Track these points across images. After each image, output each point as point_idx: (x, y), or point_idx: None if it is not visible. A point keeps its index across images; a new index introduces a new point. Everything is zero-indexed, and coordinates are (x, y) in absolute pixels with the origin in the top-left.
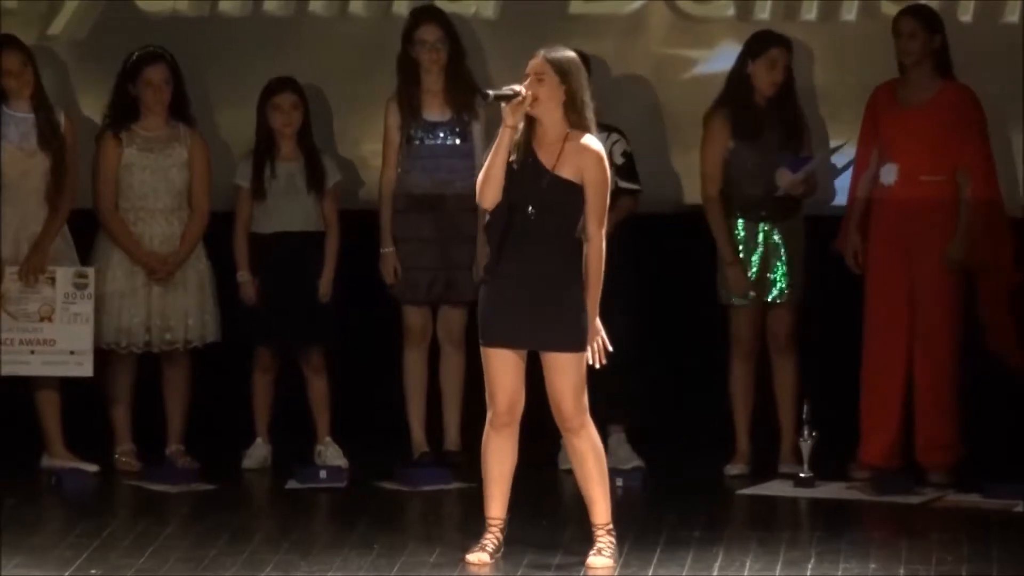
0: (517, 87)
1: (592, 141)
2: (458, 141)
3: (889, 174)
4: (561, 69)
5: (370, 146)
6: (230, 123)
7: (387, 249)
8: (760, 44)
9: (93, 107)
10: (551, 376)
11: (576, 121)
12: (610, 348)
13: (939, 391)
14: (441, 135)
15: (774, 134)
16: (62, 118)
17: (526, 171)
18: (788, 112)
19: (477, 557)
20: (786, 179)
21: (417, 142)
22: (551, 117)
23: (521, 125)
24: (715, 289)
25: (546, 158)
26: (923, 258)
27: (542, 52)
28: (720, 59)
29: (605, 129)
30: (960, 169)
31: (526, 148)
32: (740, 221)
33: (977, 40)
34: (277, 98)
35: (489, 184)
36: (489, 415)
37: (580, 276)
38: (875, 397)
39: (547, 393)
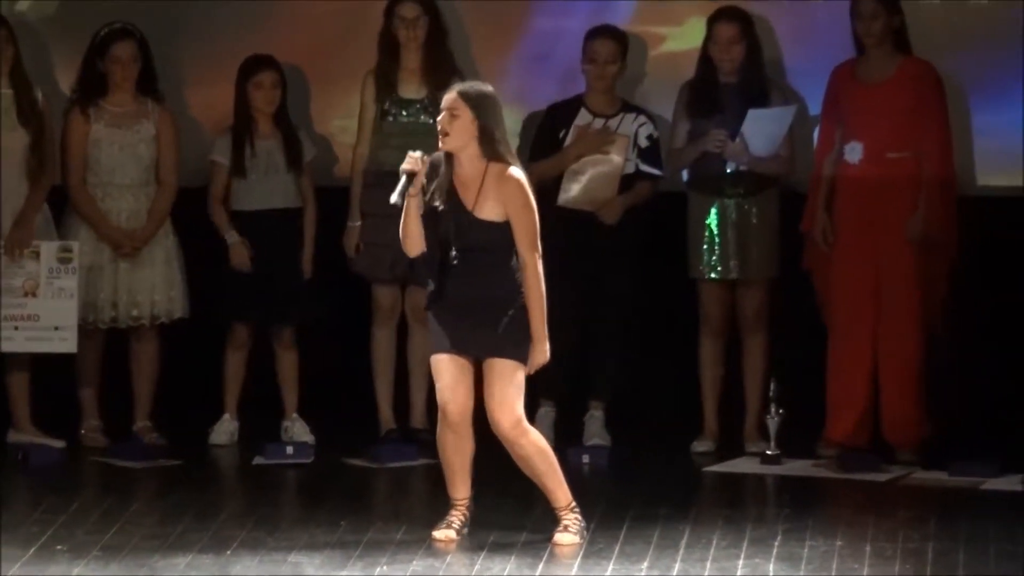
0: (405, 166)
1: (514, 171)
2: (431, 120)
3: (854, 152)
4: (473, 103)
5: (339, 122)
6: (200, 100)
7: (354, 223)
8: (709, 23)
9: (62, 83)
10: (491, 382)
11: (491, 154)
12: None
13: (905, 368)
14: (415, 113)
15: (736, 111)
16: (39, 95)
17: (450, 213)
18: (753, 87)
19: (444, 534)
20: (727, 148)
21: (391, 118)
22: (467, 152)
23: (442, 165)
24: (685, 265)
25: (467, 197)
26: (889, 235)
27: (456, 87)
28: (689, 36)
29: (633, 110)
30: (920, 146)
31: (449, 188)
32: (704, 197)
33: (946, 20)
34: (259, 76)
35: (407, 241)
36: (441, 416)
37: (520, 295)
38: (842, 375)
39: (485, 404)
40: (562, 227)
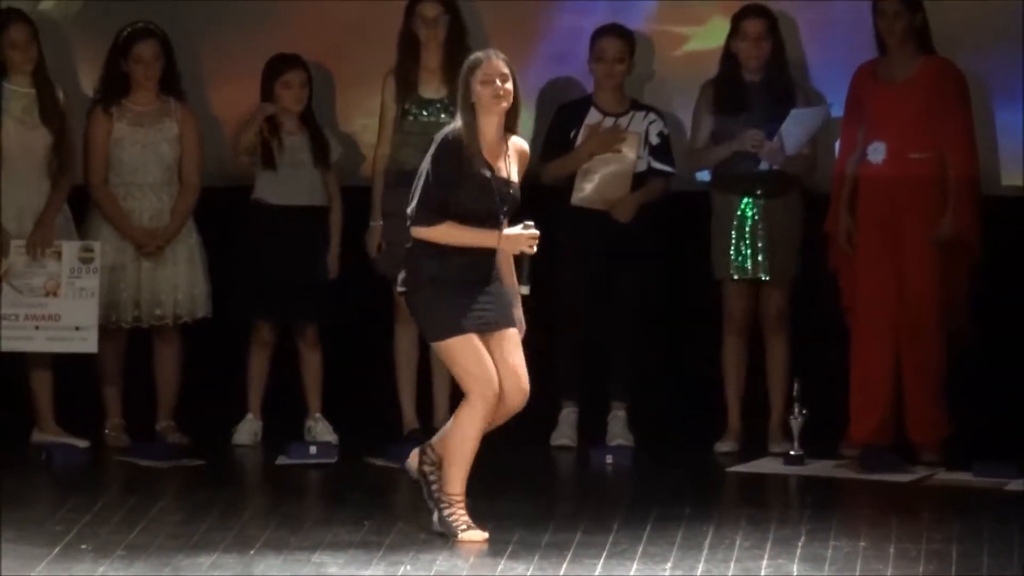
0: (529, 251)
1: (522, 141)
2: (451, 119)
3: (877, 152)
4: (514, 75)
5: (362, 121)
6: (222, 98)
7: (376, 223)
8: (736, 19)
9: (85, 82)
10: (513, 352)
11: (512, 125)
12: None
13: (927, 368)
14: (435, 112)
15: (762, 109)
16: (61, 94)
17: (495, 183)
18: (778, 86)
19: (477, 535)
20: (764, 148)
21: (411, 118)
22: (499, 121)
23: (459, 129)
24: (709, 265)
25: (499, 166)
26: (911, 235)
27: (495, 54)
28: (712, 35)
29: (643, 108)
30: (943, 146)
31: (481, 159)
32: (731, 197)
33: (966, 17)
34: (287, 76)
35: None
36: (477, 401)
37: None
38: (864, 375)
39: (504, 373)
40: (575, 227)
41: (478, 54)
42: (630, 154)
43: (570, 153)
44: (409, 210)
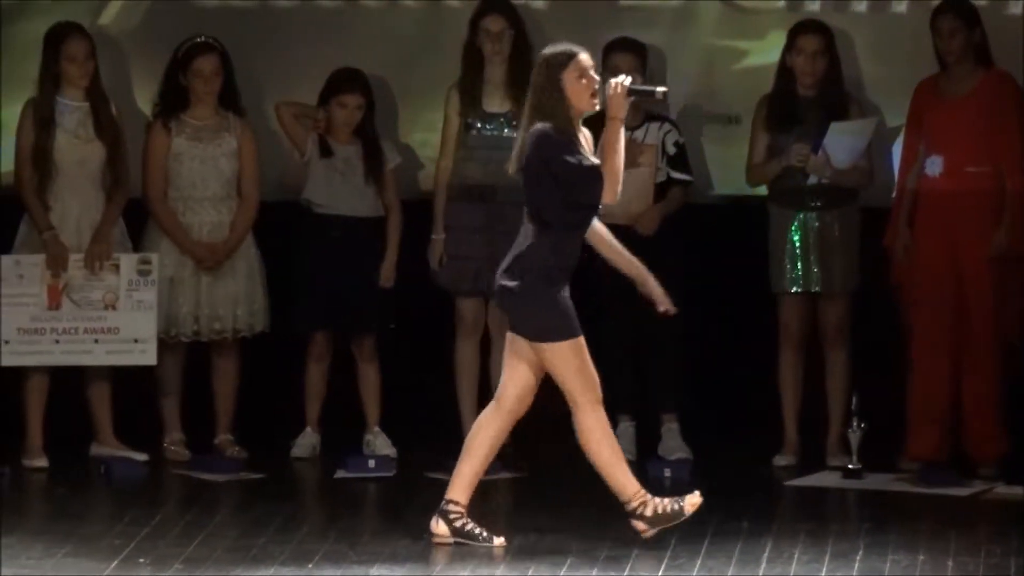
0: (660, 89)
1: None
2: (515, 133)
3: (934, 166)
4: None
5: (419, 136)
6: None
7: (438, 236)
8: (792, 34)
9: (143, 96)
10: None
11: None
12: None
13: (985, 383)
14: (499, 126)
15: (815, 124)
16: (114, 109)
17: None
18: (832, 101)
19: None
20: (809, 162)
21: (475, 132)
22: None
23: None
24: (766, 278)
25: None
26: (969, 249)
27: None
28: (771, 50)
29: (657, 119)
30: (1001, 159)
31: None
32: (786, 211)
33: None
34: (345, 97)
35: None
36: (591, 406)
37: None
38: (923, 389)
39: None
40: None
41: (564, 48)
42: (647, 167)
43: None
44: (567, 201)
